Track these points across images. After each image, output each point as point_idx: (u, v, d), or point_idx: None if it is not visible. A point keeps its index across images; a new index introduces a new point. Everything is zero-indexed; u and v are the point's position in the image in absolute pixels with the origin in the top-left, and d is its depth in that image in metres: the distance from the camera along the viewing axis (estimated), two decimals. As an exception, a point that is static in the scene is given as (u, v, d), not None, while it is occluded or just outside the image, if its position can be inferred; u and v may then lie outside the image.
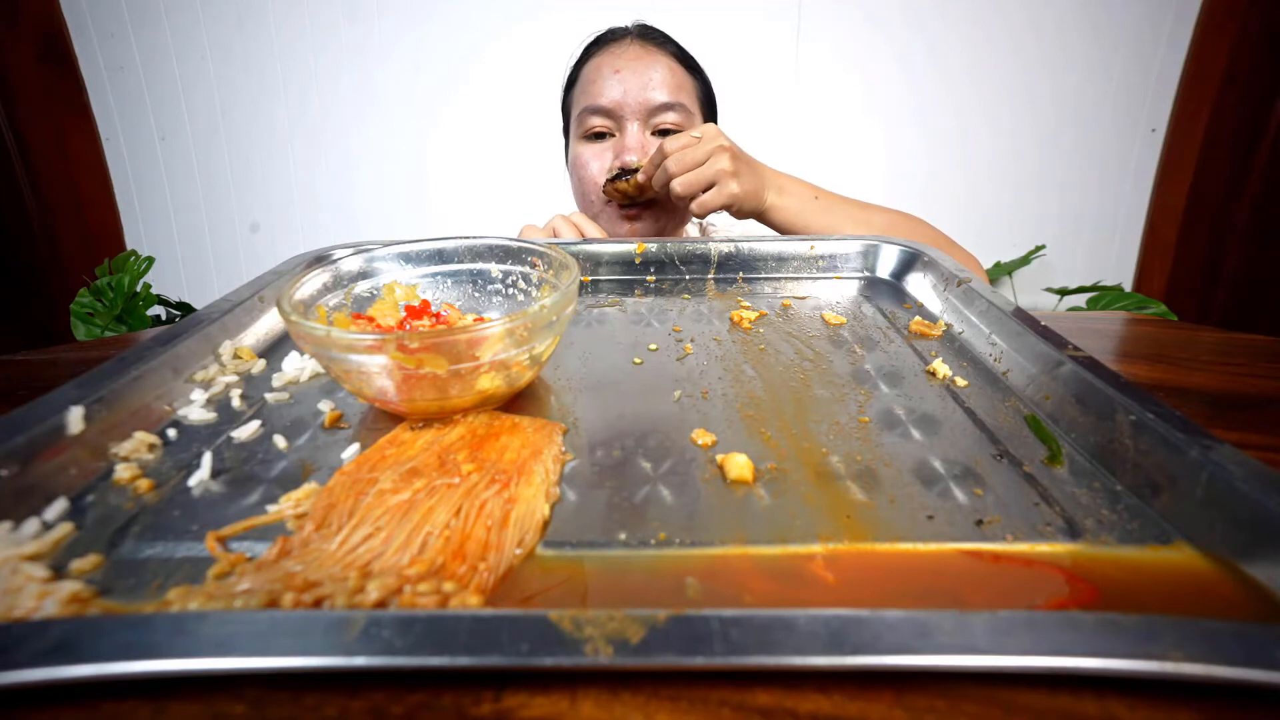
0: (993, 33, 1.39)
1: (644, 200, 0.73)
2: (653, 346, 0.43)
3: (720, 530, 0.25)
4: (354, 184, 1.59)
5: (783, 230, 0.69)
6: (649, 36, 0.78)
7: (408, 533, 0.24)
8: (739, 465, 0.28)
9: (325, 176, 1.59)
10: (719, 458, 0.29)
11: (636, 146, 0.73)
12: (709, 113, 0.82)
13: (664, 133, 0.75)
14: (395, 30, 1.46)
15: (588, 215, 0.81)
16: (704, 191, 0.64)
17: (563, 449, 0.31)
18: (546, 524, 0.26)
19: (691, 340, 0.44)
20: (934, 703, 0.17)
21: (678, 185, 0.64)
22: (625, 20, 0.81)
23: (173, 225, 1.66)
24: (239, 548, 0.25)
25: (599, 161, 0.76)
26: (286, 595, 0.21)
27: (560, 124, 0.87)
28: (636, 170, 0.71)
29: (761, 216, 0.69)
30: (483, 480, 0.27)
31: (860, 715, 0.17)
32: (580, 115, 0.77)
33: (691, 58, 0.80)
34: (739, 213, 0.67)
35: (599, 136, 0.76)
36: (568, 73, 0.82)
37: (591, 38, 0.81)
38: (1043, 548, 0.24)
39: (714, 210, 0.65)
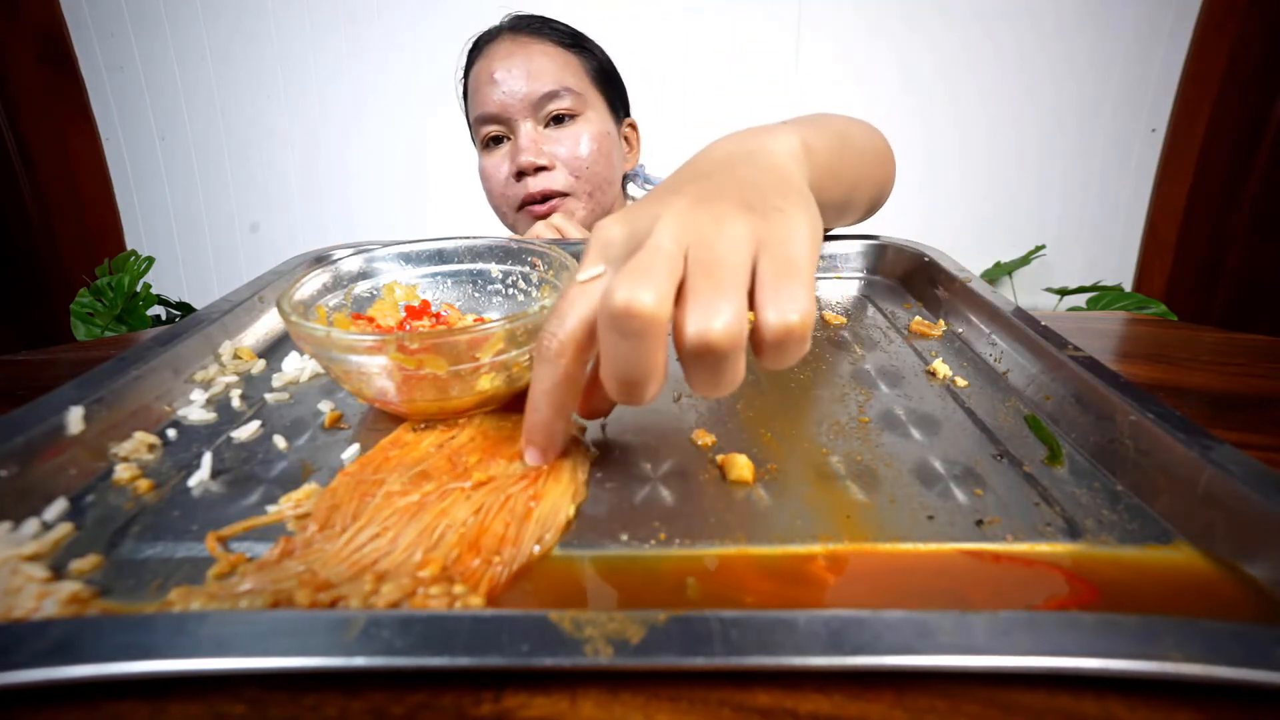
0: (993, 32, 1.39)
1: (551, 194, 0.71)
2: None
3: (720, 530, 0.25)
4: (354, 184, 1.59)
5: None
6: (521, 28, 0.75)
7: (418, 532, 0.24)
8: (740, 466, 0.28)
9: (325, 176, 1.59)
10: (719, 458, 0.29)
11: (529, 145, 0.71)
12: (608, 87, 0.78)
13: (557, 120, 0.72)
14: (395, 30, 1.46)
15: (505, 224, 0.79)
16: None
17: (589, 448, 0.30)
18: (570, 524, 0.25)
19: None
20: (934, 703, 0.17)
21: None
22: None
23: (173, 225, 1.66)
24: (238, 548, 0.25)
25: (501, 171, 0.74)
26: (301, 592, 0.21)
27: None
28: (540, 169, 0.70)
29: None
30: (509, 477, 0.27)
31: (860, 715, 0.17)
32: (474, 125, 0.75)
33: (576, 35, 0.77)
34: None
35: (496, 142, 0.74)
36: (459, 85, 0.81)
37: (470, 43, 0.79)
38: (1043, 548, 0.24)
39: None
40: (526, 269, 0.42)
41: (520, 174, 0.72)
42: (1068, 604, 0.21)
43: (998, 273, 1.50)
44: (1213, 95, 1.37)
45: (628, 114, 0.84)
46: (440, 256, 0.43)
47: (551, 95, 0.71)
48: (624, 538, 0.25)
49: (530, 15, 0.77)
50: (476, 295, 0.43)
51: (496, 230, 0.86)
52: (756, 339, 0.24)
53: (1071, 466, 0.29)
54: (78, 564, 0.23)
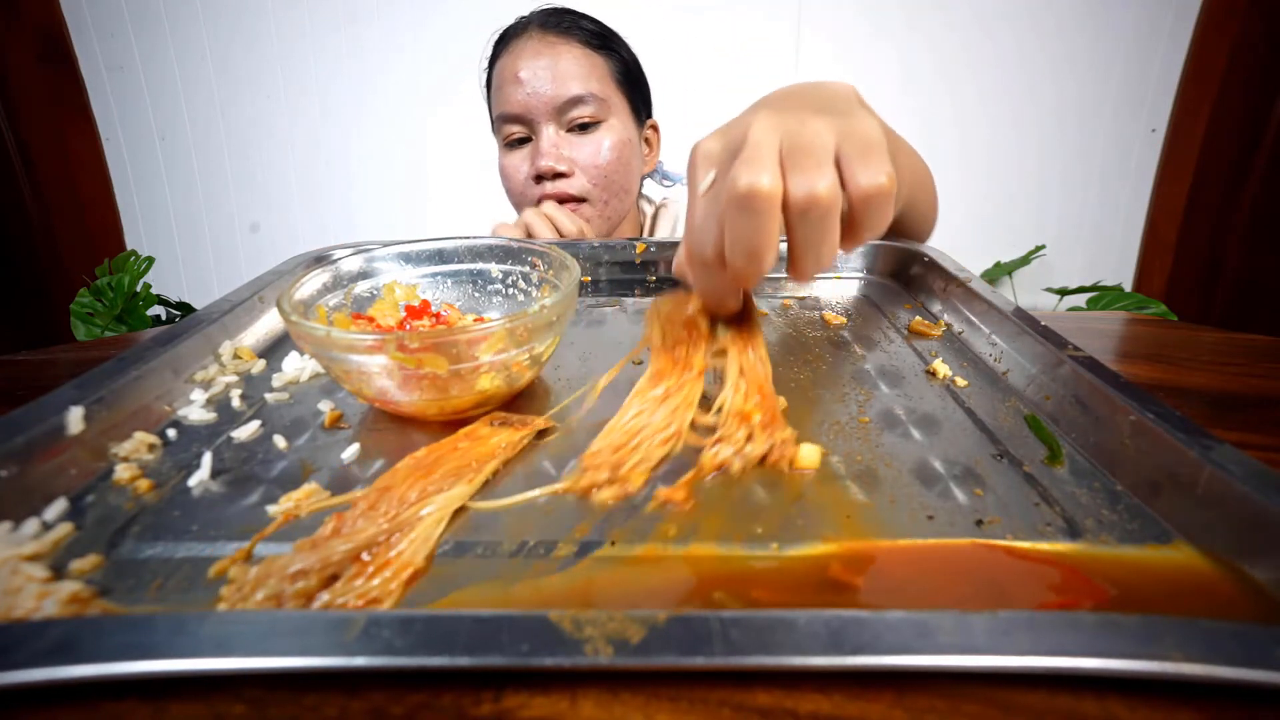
0: (993, 32, 1.39)
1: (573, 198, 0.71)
2: (653, 346, 0.43)
3: (721, 530, 0.25)
4: (354, 184, 1.59)
5: None
6: (550, 25, 0.74)
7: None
8: (808, 454, 0.29)
9: (325, 176, 1.59)
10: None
11: (549, 150, 0.70)
12: (632, 89, 0.77)
13: (581, 128, 0.72)
14: (394, 30, 1.46)
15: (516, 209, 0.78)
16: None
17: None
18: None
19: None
20: (934, 703, 0.17)
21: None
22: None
23: (173, 225, 1.66)
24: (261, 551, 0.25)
25: (521, 171, 0.73)
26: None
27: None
28: (559, 175, 0.69)
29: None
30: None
31: (860, 715, 0.17)
32: (496, 122, 0.75)
33: (604, 33, 0.76)
34: None
35: (519, 143, 0.74)
36: (483, 76, 0.79)
37: (497, 34, 0.78)
38: (1043, 548, 0.24)
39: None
40: (526, 269, 0.42)
41: (539, 177, 0.72)
42: (1068, 604, 0.21)
43: (998, 273, 1.50)
44: (1213, 95, 1.37)
45: (650, 115, 0.83)
46: (440, 256, 0.43)
47: (576, 100, 0.70)
48: (624, 537, 0.25)
49: (561, 11, 0.75)
50: (476, 295, 0.43)
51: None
52: (850, 207, 0.29)
53: (1071, 466, 0.29)
54: (78, 564, 0.23)
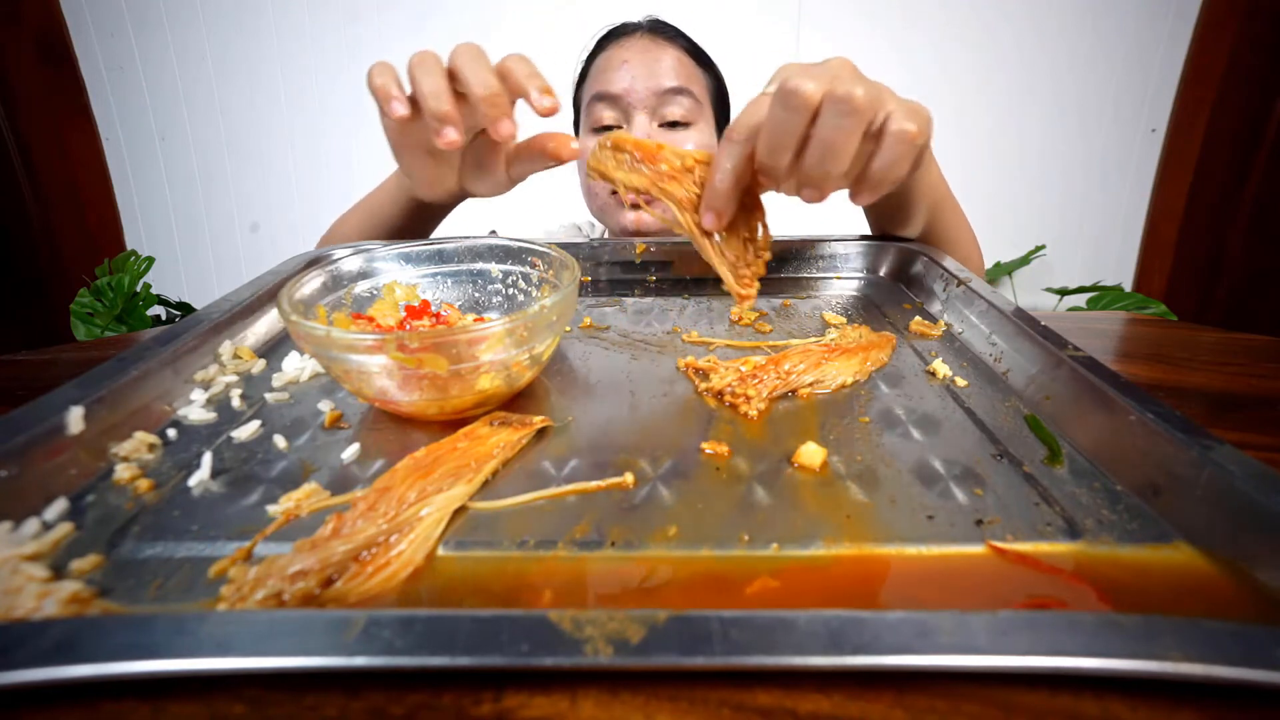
0: (993, 33, 1.39)
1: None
2: (653, 346, 0.42)
3: (721, 530, 0.25)
4: (354, 184, 1.58)
5: (891, 212, 0.54)
6: (660, 30, 0.77)
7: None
8: (811, 453, 0.29)
9: (325, 176, 1.59)
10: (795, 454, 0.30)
11: (641, 136, 0.72)
12: (720, 110, 0.81)
13: (672, 125, 0.73)
14: (394, 29, 1.46)
15: (593, 209, 0.80)
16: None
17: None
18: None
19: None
20: (934, 703, 0.17)
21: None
22: (633, 16, 0.81)
23: (173, 225, 1.66)
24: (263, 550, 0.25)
25: None
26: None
27: (573, 120, 0.86)
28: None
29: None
30: None
31: (860, 715, 0.17)
32: (588, 106, 0.76)
33: (704, 53, 0.80)
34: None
35: (607, 128, 0.74)
36: (579, 68, 0.82)
37: (604, 31, 0.81)
38: (1043, 548, 0.24)
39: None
40: (526, 269, 0.42)
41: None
42: (1068, 604, 0.21)
43: (998, 273, 1.50)
44: (1213, 95, 1.37)
45: None
46: (440, 256, 0.43)
47: (675, 91, 0.72)
48: (625, 537, 0.25)
49: (668, 23, 0.79)
50: (476, 295, 0.43)
51: (496, 226, 0.86)
52: (878, 140, 0.35)
53: (1071, 466, 0.29)
54: (78, 564, 0.23)
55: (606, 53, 0.76)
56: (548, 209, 0.97)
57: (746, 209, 0.38)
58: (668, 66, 0.73)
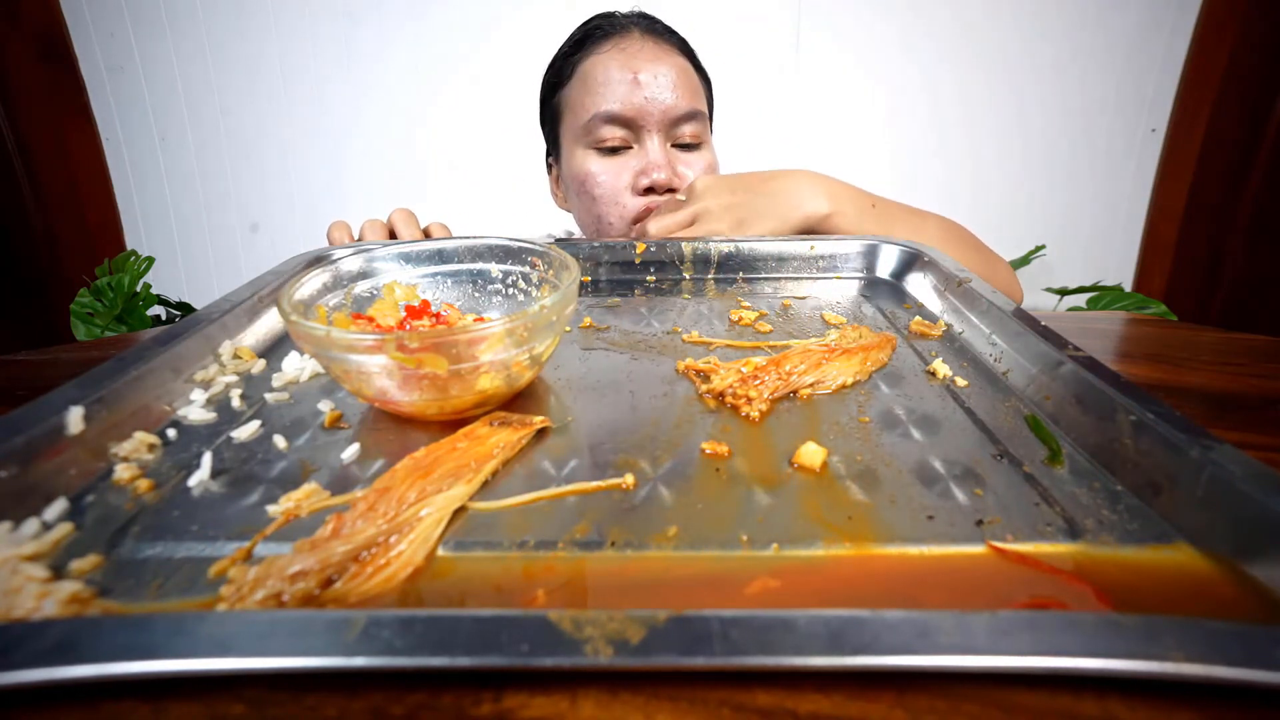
0: (993, 32, 1.39)
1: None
2: (653, 346, 0.42)
3: (721, 531, 0.25)
4: (354, 184, 1.59)
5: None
6: (656, 30, 0.71)
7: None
8: (810, 453, 0.29)
9: (325, 176, 1.59)
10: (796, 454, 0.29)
11: (663, 164, 0.67)
12: (711, 115, 0.78)
13: (684, 147, 0.70)
14: (394, 29, 1.46)
15: (605, 231, 0.74)
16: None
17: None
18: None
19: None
20: (934, 703, 0.17)
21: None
22: (623, 8, 0.75)
23: (173, 225, 1.66)
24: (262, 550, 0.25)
25: (620, 180, 0.69)
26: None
27: (538, 115, 0.79)
28: (669, 190, 0.66)
29: (817, 227, 0.62)
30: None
31: (860, 715, 0.17)
32: (590, 123, 0.69)
33: (696, 56, 0.75)
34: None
35: (614, 150, 0.69)
36: (556, 64, 0.74)
37: (581, 27, 0.73)
38: (1043, 548, 0.24)
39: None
40: (526, 269, 0.42)
41: (649, 190, 0.68)
42: (1068, 604, 0.21)
43: (998, 273, 1.50)
44: (1213, 95, 1.37)
45: None
46: (440, 256, 0.43)
47: (690, 116, 0.68)
48: (625, 537, 0.25)
49: (657, 19, 0.73)
50: (476, 295, 0.43)
51: (495, 229, 0.86)
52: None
53: (1071, 466, 0.29)
54: (78, 564, 0.23)
55: (602, 56, 0.69)
56: (526, 221, 0.96)
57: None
58: (682, 84, 0.68)
